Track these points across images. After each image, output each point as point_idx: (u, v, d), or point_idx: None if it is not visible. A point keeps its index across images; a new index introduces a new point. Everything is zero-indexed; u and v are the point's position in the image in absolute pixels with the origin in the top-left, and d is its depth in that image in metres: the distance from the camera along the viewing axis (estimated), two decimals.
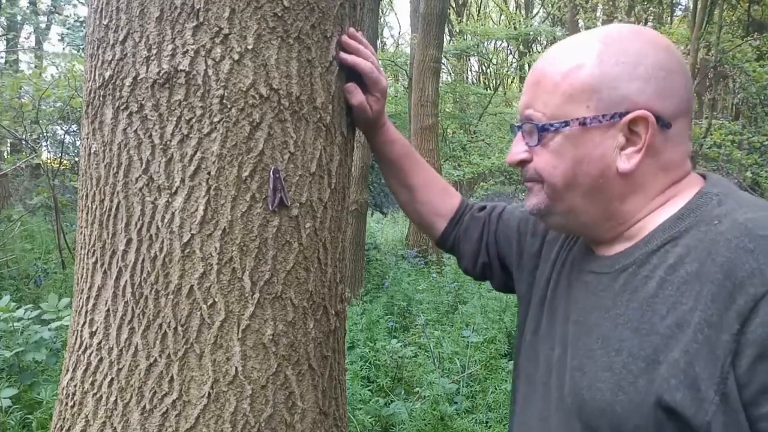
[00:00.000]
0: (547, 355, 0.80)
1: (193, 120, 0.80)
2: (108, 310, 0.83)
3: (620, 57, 0.69)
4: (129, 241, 0.82)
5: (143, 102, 0.81)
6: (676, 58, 0.70)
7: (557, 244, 0.90)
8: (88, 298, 0.86)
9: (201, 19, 0.80)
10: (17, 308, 2.79)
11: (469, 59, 17.55)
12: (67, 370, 0.89)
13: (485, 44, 15.43)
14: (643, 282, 0.67)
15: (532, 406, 0.82)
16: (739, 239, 0.60)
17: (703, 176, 0.74)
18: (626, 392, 0.63)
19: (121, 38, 0.83)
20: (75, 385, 0.86)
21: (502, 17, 20.52)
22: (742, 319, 0.56)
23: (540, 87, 0.73)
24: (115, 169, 0.83)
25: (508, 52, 19.10)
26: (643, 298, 0.66)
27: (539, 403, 0.80)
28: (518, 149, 0.77)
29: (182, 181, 0.80)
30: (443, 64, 12.63)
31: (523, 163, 0.77)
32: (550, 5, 18.08)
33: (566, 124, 0.71)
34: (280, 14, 0.83)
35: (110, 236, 0.84)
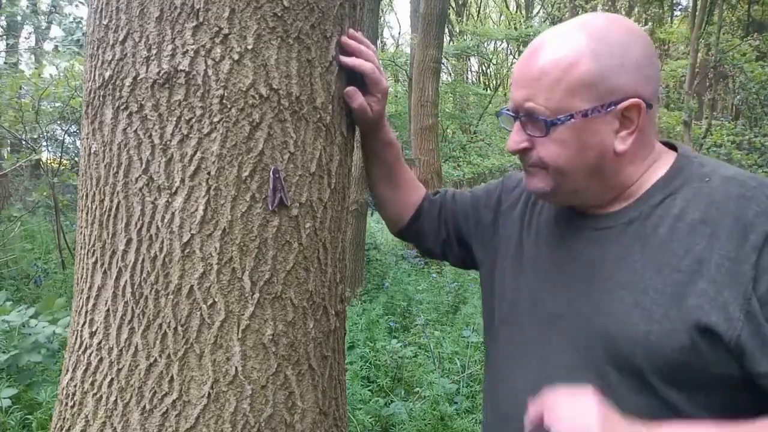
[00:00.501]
0: (540, 314, 0.86)
1: (193, 120, 0.80)
2: (108, 310, 0.83)
3: (611, 50, 0.76)
4: (129, 241, 0.82)
5: (143, 102, 0.81)
6: (650, 44, 0.79)
7: (515, 211, 1.00)
8: (88, 298, 0.86)
9: (201, 19, 0.80)
10: (13, 309, 2.79)
11: (469, 59, 17.55)
12: (67, 370, 0.89)
13: (485, 44, 15.43)
14: (653, 230, 0.78)
15: (523, 364, 0.87)
16: (737, 189, 0.74)
17: (668, 144, 0.87)
18: (660, 322, 0.72)
19: (120, 38, 0.83)
20: (75, 385, 0.86)
21: (502, 17, 20.51)
22: (758, 251, 0.69)
23: (541, 83, 0.78)
24: (115, 169, 0.83)
25: (508, 52, 19.10)
26: (658, 243, 0.77)
27: (535, 358, 0.85)
28: (519, 138, 0.83)
29: (182, 181, 0.80)
30: (443, 64, 12.62)
31: (525, 151, 0.83)
32: (549, 5, 18.08)
33: (571, 117, 0.77)
34: (279, 14, 0.83)
35: (110, 236, 0.84)
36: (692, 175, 0.79)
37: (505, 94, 17.76)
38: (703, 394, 0.72)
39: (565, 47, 0.77)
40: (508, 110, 0.85)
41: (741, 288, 0.69)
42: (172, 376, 0.80)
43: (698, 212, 0.75)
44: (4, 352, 2.57)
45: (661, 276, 0.74)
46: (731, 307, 0.69)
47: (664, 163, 0.83)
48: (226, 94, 0.81)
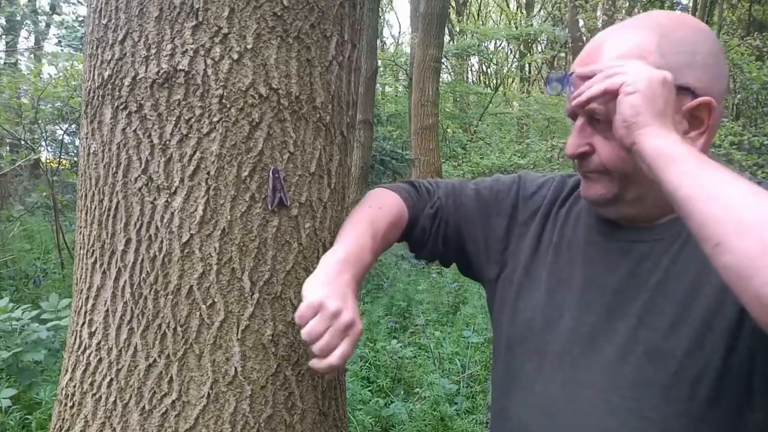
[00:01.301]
0: (571, 327, 0.81)
1: (193, 120, 0.80)
2: (107, 311, 0.83)
3: (678, 47, 0.73)
4: (128, 241, 0.82)
5: (142, 102, 0.81)
6: (717, 42, 0.77)
7: (533, 224, 0.92)
8: (87, 298, 0.86)
9: (200, 19, 0.80)
10: (16, 308, 2.79)
11: (470, 59, 17.55)
12: (66, 371, 0.88)
13: (485, 44, 15.44)
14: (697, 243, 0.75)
15: (548, 379, 0.81)
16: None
17: None
18: (712, 329, 0.70)
19: (120, 38, 0.82)
20: (74, 386, 0.86)
21: (503, 17, 20.53)
22: None
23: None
24: (114, 169, 0.83)
25: (509, 51, 19.11)
26: (703, 255, 0.74)
27: (563, 372, 0.80)
28: (579, 141, 0.78)
29: (181, 181, 0.80)
30: (443, 63, 12.63)
31: (584, 156, 0.78)
32: (550, 5, 18.09)
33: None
34: (279, 14, 0.83)
35: (109, 236, 0.83)
36: None
37: (505, 94, 17.76)
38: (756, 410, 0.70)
39: (631, 42, 0.74)
40: (568, 115, 0.81)
41: None
42: (171, 377, 0.80)
43: None
44: (7, 349, 2.57)
45: (710, 282, 0.72)
46: None
47: None
48: (225, 94, 0.80)
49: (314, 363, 0.75)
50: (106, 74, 0.84)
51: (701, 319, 0.71)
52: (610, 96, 0.70)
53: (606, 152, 0.76)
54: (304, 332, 0.74)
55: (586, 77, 0.74)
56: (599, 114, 0.75)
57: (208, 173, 0.80)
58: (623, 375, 0.75)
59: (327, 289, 0.75)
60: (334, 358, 0.73)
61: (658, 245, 0.78)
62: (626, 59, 0.73)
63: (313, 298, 0.75)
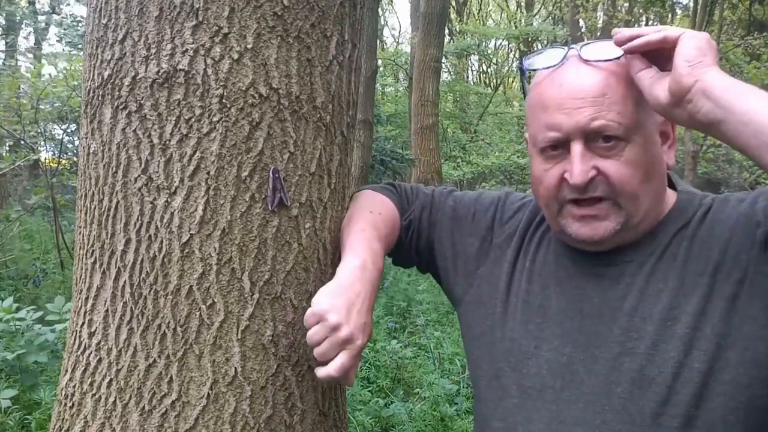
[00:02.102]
0: (550, 359, 0.79)
1: (193, 119, 0.80)
2: (107, 311, 0.83)
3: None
4: (128, 242, 0.82)
5: (142, 101, 0.81)
6: None
7: (508, 249, 0.89)
8: (86, 298, 0.86)
9: (200, 18, 0.79)
10: (18, 309, 2.78)
11: (470, 59, 17.55)
12: (66, 371, 0.88)
13: (485, 43, 15.44)
14: (672, 259, 0.76)
15: (532, 418, 0.78)
16: (731, 201, 0.77)
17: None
18: (699, 347, 0.70)
19: (120, 37, 0.82)
20: (74, 386, 0.85)
21: (503, 16, 20.53)
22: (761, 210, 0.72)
23: (608, 98, 0.73)
24: (114, 169, 0.83)
25: (509, 50, 19.11)
26: (679, 269, 0.75)
27: (547, 410, 0.77)
28: (585, 167, 0.73)
29: (181, 180, 0.80)
30: (443, 63, 12.63)
31: (591, 180, 0.74)
32: (550, 4, 18.09)
33: (640, 131, 0.74)
34: (279, 13, 0.82)
35: (109, 236, 0.83)
36: (695, 206, 0.79)
37: (505, 93, 17.75)
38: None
39: (619, 61, 0.74)
40: (550, 143, 0.76)
41: (742, 273, 0.71)
42: (171, 377, 0.80)
43: (705, 229, 0.76)
44: (11, 351, 2.56)
45: (688, 299, 0.72)
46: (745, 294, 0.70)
47: (670, 195, 0.81)
48: (225, 94, 0.80)
49: (317, 370, 0.77)
50: (106, 74, 0.84)
51: (685, 337, 0.71)
52: (670, 44, 0.69)
53: (614, 172, 0.73)
54: (308, 336, 0.76)
55: (627, 39, 0.73)
56: (613, 132, 0.72)
57: (208, 173, 0.80)
58: (612, 407, 0.73)
59: (334, 300, 0.76)
60: (332, 369, 0.74)
61: (628, 267, 0.77)
62: (623, 76, 0.74)
63: (317, 307, 0.76)
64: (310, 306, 0.78)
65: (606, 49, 0.74)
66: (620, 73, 0.74)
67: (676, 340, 0.71)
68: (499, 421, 0.83)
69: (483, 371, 0.87)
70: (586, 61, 0.75)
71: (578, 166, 0.73)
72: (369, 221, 0.91)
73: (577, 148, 0.74)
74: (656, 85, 0.70)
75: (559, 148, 0.76)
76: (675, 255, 0.76)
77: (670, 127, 0.79)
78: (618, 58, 0.74)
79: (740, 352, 0.69)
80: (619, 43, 0.73)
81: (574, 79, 0.74)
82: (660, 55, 0.71)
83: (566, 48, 0.77)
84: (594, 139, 0.73)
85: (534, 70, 0.80)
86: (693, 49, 0.67)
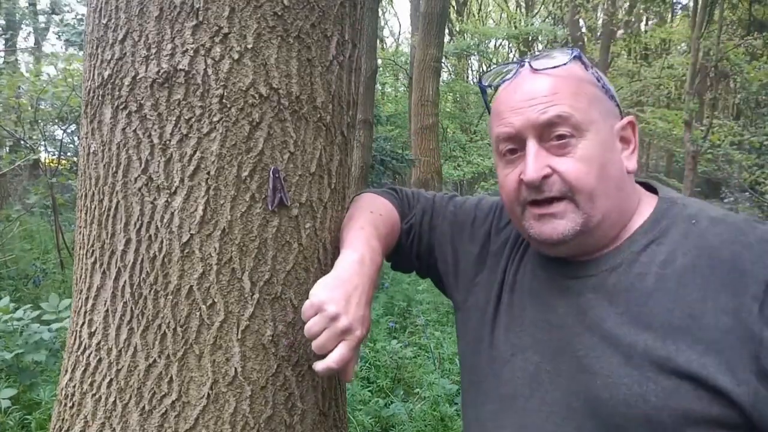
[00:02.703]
0: (521, 367, 0.79)
1: (193, 119, 0.80)
2: (107, 311, 0.83)
3: (597, 73, 0.78)
4: (128, 242, 0.82)
5: (142, 101, 0.81)
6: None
7: (502, 257, 0.90)
8: (87, 298, 0.86)
9: (200, 18, 0.79)
10: (16, 309, 2.78)
11: (470, 59, 17.54)
12: (66, 371, 0.88)
13: (485, 43, 15.43)
14: (639, 279, 0.72)
15: (506, 421, 0.79)
16: (729, 233, 0.69)
17: (644, 184, 0.83)
18: (656, 381, 0.66)
19: (120, 37, 0.82)
20: (74, 386, 0.85)
21: (503, 16, 20.52)
22: (759, 302, 0.64)
23: (560, 95, 0.74)
24: (114, 169, 0.83)
25: (509, 50, 19.10)
26: (645, 294, 0.70)
27: (516, 417, 0.78)
28: (537, 165, 0.73)
29: (181, 180, 0.80)
30: (444, 63, 12.63)
31: (545, 179, 0.74)
32: (550, 4, 18.08)
33: (592, 127, 0.74)
34: (279, 13, 0.82)
35: (109, 236, 0.83)
36: (677, 218, 0.75)
37: None
38: None
39: (576, 64, 0.78)
40: (505, 142, 0.77)
41: (746, 344, 0.63)
42: (171, 377, 0.80)
43: (688, 257, 0.70)
44: (9, 351, 2.56)
45: (651, 331, 0.68)
46: (738, 369, 0.63)
47: (646, 205, 0.78)
48: (225, 94, 0.80)
49: (315, 365, 0.77)
50: (106, 74, 0.84)
51: (643, 367, 0.67)
52: None
53: (568, 169, 0.72)
54: (305, 328, 0.76)
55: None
56: (565, 123, 0.72)
57: (208, 173, 0.80)
58: (570, 420, 0.72)
59: (332, 292, 0.76)
60: (331, 360, 0.74)
61: (589, 281, 0.75)
62: (573, 76, 0.77)
63: (315, 298, 0.76)
64: (311, 290, 0.78)
65: (552, 58, 0.77)
66: (569, 76, 0.76)
67: (631, 367, 0.68)
68: (477, 424, 0.85)
69: (472, 377, 0.89)
70: (536, 70, 0.77)
71: (531, 164, 0.73)
72: (369, 220, 0.91)
73: (530, 146, 0.74)
74: None
75: (516, 152, 0.77)
76: (642, 276, 0.71)
77: (632, 133, 0.79)
78: (565, 63, 0.77)
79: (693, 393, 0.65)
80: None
81: (527, 84, 0.77)
82: None
83: (518, 63, 0.81)
84: (547, 137, 0.74)
85: (491, 86, 0.83)
86: None
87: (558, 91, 0.74)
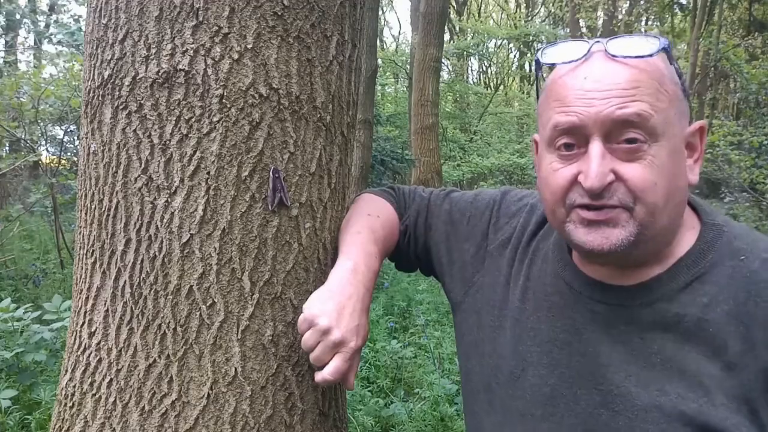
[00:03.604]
0: (534, 385, 0.75)
1: (193, 119, 0.80)
2: (107, 311, 0.83)
3: (678, 68, 0.68)
4: (128, 242, 0.82)
5: (142, 101, 0.81)
6: None
7: (503, 258, 0.85)
8: (87, 298, 0.86)
9: (200, 18, 0.79)
10: (17, 308, 2.78)
11: (470, 59, 17.56)
12: (66, 371, 0.88)
13: (486, 43, 15.44)
14: (676, 320, 0.66)
15: None
16: None
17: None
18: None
19: (120, 37, 0.82)
20: (74, 386, 0.85)
21: (503, 16, 20.52)
22: None
23: (642, 89, 0.64)
24: (114, 169, 0.83)
25: (509, 50, 19.11)
26: (682, 337, 0.65)
27: None
28: (603, 169, 0.63)
29: (181, 180, 0.80)
30: (443, 63, 12.63)
31: (608, 185, 0.64)
32: (550, 4, 18.08)
33: (667, 132, 0.64)
34: (279, 13, 0.82)
35: (109, 236, 0.83)
36: (724, 252, 0.67)
37: (506, 94, 17.74)
38: None
39: (661, 56, 0.67)
40: (564, 134, 0.66)
41: None
42: (171, 377, 0.80)
43: (731, 301, 0.64)
44: (8, 350, 2.56)
45: (684, 380, 0.63)
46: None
47: (690, 228, 0.70)
48: (225, 94, 0.80)
49: (316, 375, 0.78)
50: (106, 74, 0.84)
51: (672, 418, 0.63)
52: None
53: (638, 177, 0.63)
54: (301, 342, 0.78)
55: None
56: (642, 125, 0.63)
57: (208, 173, 0.80)
58: None
59: (324, 304, 0.77)
60: (326, 372, 0.75)
61: (623, 313, 0.69)
62: (657, 69, 0.66)
63: (307, 312, 0.77)
64: (304, 304, 0.79)
65: (636, 45, 0.65)
66: (652, 71, 0.65)
67: (658, 412, 0.63)
68: (483, 431, 0.83)
69: (473, 383, 0.86)
70: (613, 56, 0.65)
71: (596, 167, 0.63)
72: (366, 224, 0.90)
73: (595, 146, 0.64)
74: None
75: (574, 147, 0.67)
76: (679, 317, 0.65)
77: (699, 140, 0.69)
78: (651, 55, 0.65)
79: None
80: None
81: (601, 72, 0.65)
82: None
83: (589, 41, 0.68)
84: (615, 137, 0.64)
85: (553, 64, 0.70)
86: None
87: (640, 84, 0.63)
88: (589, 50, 0.67)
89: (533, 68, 0.77)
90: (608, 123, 0.63)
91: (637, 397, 0.65)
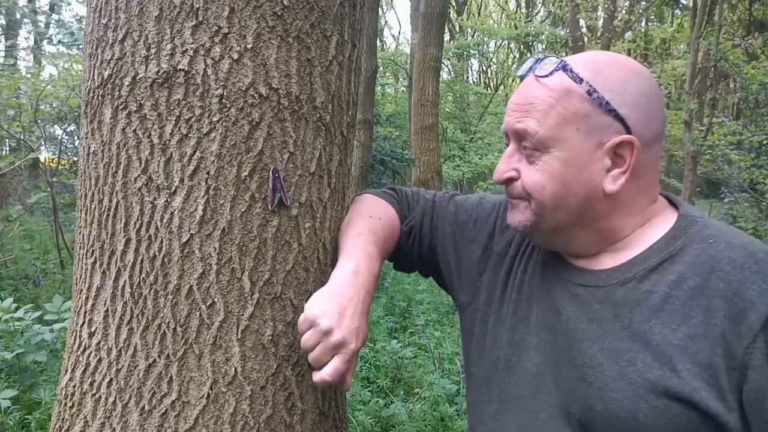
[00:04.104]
0: (526, 368, 0.80)
1: (192, 119, 0.80)
2: (107, 311, 0.83)
3: (608, 85, 0.73)
4: (128, 241, 0.82)
5: (142, 101, 0.81)
6: (654, 86, 0.77)
7: (507, 256, 0.90)
8: (86, 298, 0.86)
9: (200, 18, 0.79)
10: (17, 309, 2.78)
11: (470, 59, 17.56)
12: (66, 371, 0.88)
13: (485, 43, 15.45)
14: (646, 296, 0.72)
15: (510, 421, 0.80)
16: (743, 260, 0.69)
17: (666, 198, 0.82)
18: (647, 401, 0.67)
19: (120, 37, 0.82)
20: (74, 386, 0.85)
21: (503, 16, 20.52)
22: (753, 335, 0.64)
23: (534, 107, 0.75)
24: (114, 169, 0.83)
25: (509, 50, 19.11)
26: (649, 311, 0.71)
27: (518, 417, 0.79)
28: (505, 167, 0.79)
29: (181, 180, 0.80)
30: (443, 63, 12.64)
31: (509, 181, 0.79)
32: (550, 4, 18.09)
33: (558, 145, 0.74)
34: (279, 13, 0.82)
35: (109, 236, 0.83)
36: (695, 237, 0.74)
37: (506, 95, 17.77)
38: None
39: (563, 76, 0.75)
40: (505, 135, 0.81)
41: (735, 373, 0.64)
42: (171, 377, 0.80)
43: (698, 278, 0.70)
44: (9, 351, 2.56)
45: (649, 348, 0.69)
46: (728, 395, 0.64)
47: (664, 220, 0.78)
48: (225, 94, 0.80)
49: (313, 375, 0.78)
50: (106, 74, 0.84)
51: (638, 386, 0.68)
52: None
53: (528, 177, 0.77)
54: (301, 342, 0.78)
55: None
56: (530, 138, 0.75)
57: (208, 173, 0.80)
58: (570, 426, 0.73)
59: (326, 305, 0.77)
60: (325, 373, 0.76)
61: (599, 292, 0.76)
62: (556, 90, 0.74)
63: (309, 312, 0.77)
64: (306, 304, 0.79)
65: (541, 67, 0.77)
66: (555, 88, 0.74)
67: (625, 382, 0.69)
68: (482, 425, 0.85)
69: (474, 378, 0.89)
70: (536, 74, 0.78)
71: (500, 164, 0.80)
72: (367, 225, 0.91)
73: (509, 147, 0.80)
74: None
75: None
76: (648, 294, 0.72)
77: (629, 153, 0.73)
78: (545, 76, 0.75)
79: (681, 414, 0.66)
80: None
81: (522, 87, 0.79)
82: None
83: (535, 59, 0.80)
84: (521, 143, 0.77)
85: (518, 75, 0.83)
86: None
87: (533, 102, 0.76)
88: (530, 68, 0.79)
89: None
90: (512, 132, 0.78)
91: (607, 369, 0.71)
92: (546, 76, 0.75)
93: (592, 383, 0.71)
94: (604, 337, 0.72)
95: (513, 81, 19.59)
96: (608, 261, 0.78)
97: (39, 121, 5.39)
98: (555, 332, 0.78)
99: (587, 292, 0.77)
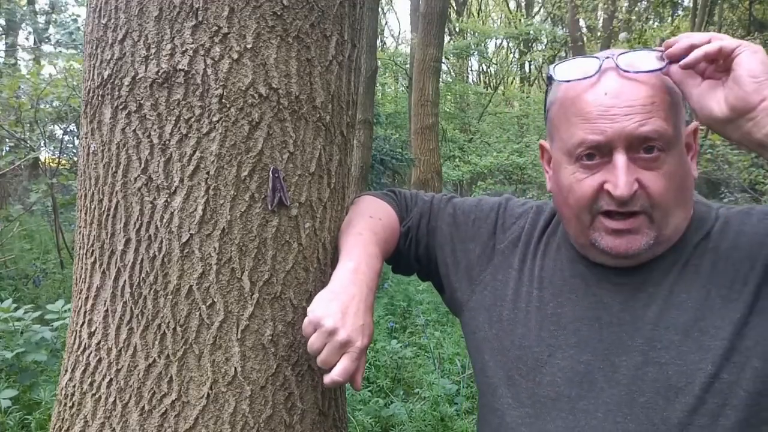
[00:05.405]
0: (565, 367, 0.77)
1: (192, 119, 0.80)
2: (107, 311, 0.83)
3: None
4: (128, 241, 0.82)
5: (142, 101, 0.81)
6: None
7: (513, 256, 0.89)
8: (86, 298, 0.86)
9: (200, 18, 0.79)
10: (17, 309, 2.78)
11: (470, 59, 17.56)
12: (66, 371, 0.88)
13: (485, 43, 15.45)
14: (695, 270, 0.75)
15: (549, 425, 0.76)
16: (752, 215, 0.76)
17: None
18: (729, 358, 0.69)
19: (119, 37, 0.82)
20: (74, 386, 0.85)
21: (502, 16, 20.53)
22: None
23: (657, 105, 0.71)
24: (113, 169, 0.83)
25: (509, 50, 19.11)
26: (704, 280, 0.74)
27: (562, 421, 0.76)
28: (629, 179, 0.71)
29: (181, 180, 0.80)
30: (443, 63, 12.64)
31: (634, 194, 0.72)
32: (549, 5, 18.09)
33: (679, 141, 0.73)
34: (279, 13, 0.82)
35: (109, 236, 0.83)
36: (713, 217, 0.79)
37: (504, 94, 17.75)
38: None
39: (659, 73, 0.72)
40: (588, 150, 0.73)
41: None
42: (171, 377, 0.80)
43: (728, 241, 0.75)
44: (10, 350, 2.56)
45: (716, 311, 0.72)
46: None
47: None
48: (225, 94, 0.80)
49: (324, 378, 0.77)
50: (105, 74, 0.84)
51: (716, 349, 0.70)
52: (725, 56, 0.66)
53: (656, 186, 0.72)
54: (308, 345, 0.77)
55: (678, 50, 0.70)
56: (660, 139, 0.70)
57: (208, 173, 0.80)
58: (633, 417, 0.72)
59: (328, 306, 0.77)
60: (335, 374, 0.75)
61: (650, 277, 0.77)
62: (666, 83, 0.73)
63: (312, 314, 0.77)
64: (308, 307, 0.79)
65: (645, 60, 0.72)
66: (661, 84, 0.72)
67: (704, 351, 0.70)
68: (511, 430, 0.81)
69: (491, 379, 0.85)
70: (625, 72, 0.72)
71: (623, 177, 0.70)
72: (367, 225, 0.91)
73: (620, 158, 0.71)
74: (707, 97, 0.68)
75: (595, 157, 0.73)
76: (698, 267, 0.75)
77: (693, 138, 0.77)
78: (660, 69, 0.71)
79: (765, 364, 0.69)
80: (673, 58, 0.70)
81: (619, 88, 0.72)
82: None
83: (599, 58, 0.75)
84: (636, 149, 0.71)
85: (568, 80, 0.76)
86: (759, 63, 0.64)
87: (655, 100, 0.71)
88: (600, 66, 0.73)
89: (543, 81, 0.89)
90: (631, 138, 0.71)
91: (681, 344, 0.72)
92: (659, 69, 0.71)
93: (667, 363, 0.72)
94: (664, 316, 0.74)
95: (512, 81, 19.58)
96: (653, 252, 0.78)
97: (39, 120, 5.39)
98: (602, 325, 0.77)
99: (636, 279, 0.77)
